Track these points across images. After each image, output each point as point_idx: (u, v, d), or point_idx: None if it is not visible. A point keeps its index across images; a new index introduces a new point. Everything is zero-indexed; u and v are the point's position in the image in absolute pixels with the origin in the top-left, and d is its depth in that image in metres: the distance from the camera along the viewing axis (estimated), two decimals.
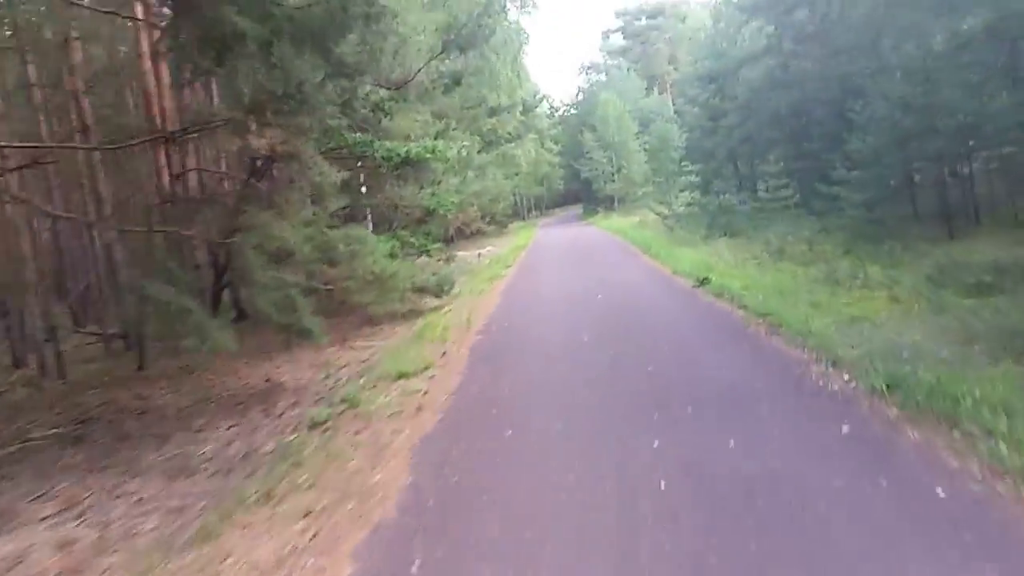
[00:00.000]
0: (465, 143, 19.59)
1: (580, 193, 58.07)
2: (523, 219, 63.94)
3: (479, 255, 25.71)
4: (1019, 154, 11.85)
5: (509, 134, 35.88)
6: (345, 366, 9.63)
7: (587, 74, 58.91)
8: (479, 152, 28.63)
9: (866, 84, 14.77)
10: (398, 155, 15.83)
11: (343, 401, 6.76)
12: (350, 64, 9.57)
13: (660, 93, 58.69)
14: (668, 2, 69.94)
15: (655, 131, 42.25)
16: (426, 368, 7.64)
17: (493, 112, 27.76)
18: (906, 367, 4.86)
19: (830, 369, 5.49)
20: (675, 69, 67.49)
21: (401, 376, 7.37)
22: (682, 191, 29.88)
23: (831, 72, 17.73)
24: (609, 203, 43.01)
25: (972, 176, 13.44)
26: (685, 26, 65.87)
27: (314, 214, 11.25)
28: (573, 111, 57.23)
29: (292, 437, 6.04)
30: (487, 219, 39.64)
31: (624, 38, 71.71)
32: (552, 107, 59.97)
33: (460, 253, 30.77)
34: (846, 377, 5.24)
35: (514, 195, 51.21)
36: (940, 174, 13.71)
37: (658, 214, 28.12)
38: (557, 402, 5.80)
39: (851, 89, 16.84)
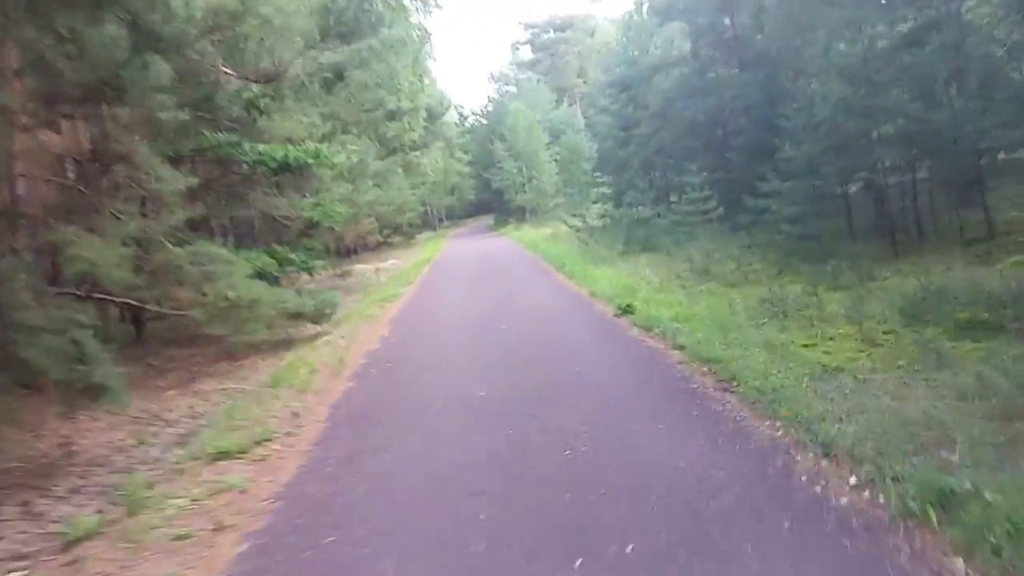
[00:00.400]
0: (355, 147, 17.44)
1: (492, 204, 56.54)
2: (433, 229, 61.82)
3: (377, 270, 23.54)
4: (964, 162, 10.93)
5: (414, 142, 33.84)
6: (175, 423, 7.39)
7: (496, 84, 57.31)
8: (381, 159, 26.50)
9: (794, 89, 13.72)
10: (274, 160, 13.61)
11: (122, 499, 4.62)
12: (168, 38, 7.42)
13: (570, 105, 58.19)
14: (577, 16, 69.92)
15: (565, 142, 41.40)
16: (263, 441, 5.56)
17: (392, 116, 25.67)
18: (950, 477, 3.17)
19: (823, 463, 3.79)
20: (584, 82, 67.60)
21: (222, 455, 5.26)
22: (594, 203, 28.71)
23: (752, 78, 16.75)
24: (521, 214, 41.57)
25: (915, 187, 12.51)
26: (594, 40, 65.95)
27: (146, 229, 8.90)
28: (483, 121, 55.66)
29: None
30: (391, 231, 37.37)
31: (533, 51, 71.11)
32: (461, 116, 58.37)
33: (359, 267, 28.44)
34: (853, 481, 3.49)
35: (423, 205, 49.12)
36: (881, 185, 12.74)
37: (571, 227, 26.77)
38: (424, 532, 3.74)
39: (777, 94, 15.92)
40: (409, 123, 29.15)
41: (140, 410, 8.27)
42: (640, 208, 21.89)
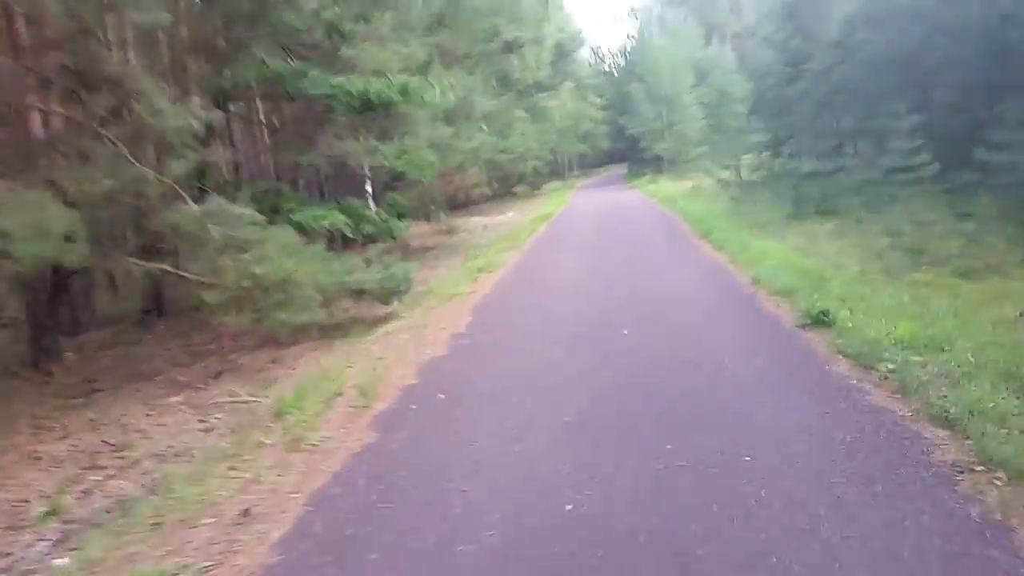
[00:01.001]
0: (454, 83, 14.54)
1: (626, 152, 52.28)
2: (562, 179, 58.70)
3: (485, 227, 20.83)
4: None
5: (539, 82, 30.55)
6: (132, 463, 5.04)
7: (637, 18, 51.65)
8: (498, 97, 23.55)
9: None
10: (349, 94, 11.04)
11: None
12: None
13: (720, 44, 52.07)
14: None
15: (714, 83, 36.43)
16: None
17: (509, 47, 22.46)
18: None
19: None
20: (738, 19, 60.76)
21: None
22: (746, 153, 24.36)
23: None
24: (658, 165, 37.35)
25: None
26: None
27: (130, 179, 6.53)
28: (621, 61, 50.92)
29: None
30: (515, 180, 34.56)
31: None
32: (597, 55, 53.87)
33: (475, 219, 25.98)
34: None
35: (552, 153, 45.91)
36: None
37: (719, 180, 22.69)
38: None
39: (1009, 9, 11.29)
40: (532, 58, 25.82)
41: (107, 427, 6.06)
42: (811, 160, 17.62)
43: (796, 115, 22.44)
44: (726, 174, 21.62)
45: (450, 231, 19.52)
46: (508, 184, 35.50)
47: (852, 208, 11.90)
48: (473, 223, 24.35)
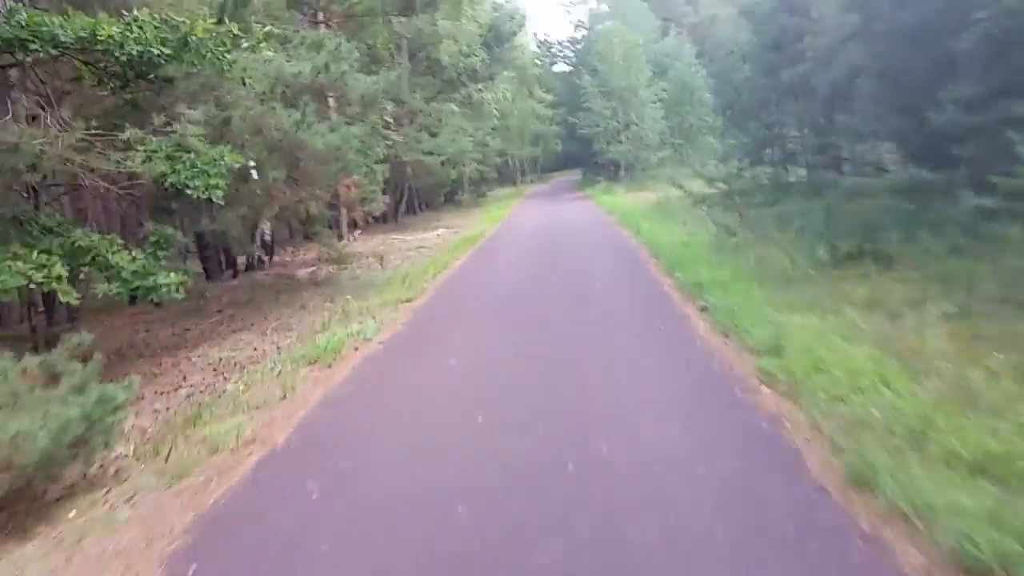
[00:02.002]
0: (302, 41, 9.50)
1: (580, 156, 47.89)
2: (514, 184, 54.28)
3: (396, 252, 15.93)
4: None
5: (474, 70, 25.69)
6: None
7: (585, 5, 46.37)
8: (413, 85, 18.64)
9: None
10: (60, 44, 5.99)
11: None
12: None
13: (677, 35, 48.09)
14: None
15: (675, 77, 32.18)
16: None
17: (410, 5, 17.56)
18: None
19: None
20: (694, 10, 57.02)
21: None
22: (719, 161, 19.96)
23: None
24: (613, 171, 32.83)
25: None
26: None
27: None
28: (570, 52, 46.27)
29: None
30: (445, 189, 29.66)
31: None
32: (545, 48, 49.28)
33: (393, 239, 21.05)
34: None
35: (501, 156, 41.18)
36: None
37: (686, 192, 18.11)
38: None
39: None
40: (452, 30, 20.97)
41: None
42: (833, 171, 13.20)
43: (785, 111, 18.11)
44: (696, 185, 17.10)
45: (341, 260, 14.51)
46: (437, 193, 30.58)
47: (934, 253, 7.23)
48: (385, 246, 19.40)
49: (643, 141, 29.87)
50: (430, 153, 23.61)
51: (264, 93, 8.47)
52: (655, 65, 33.91)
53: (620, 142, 30.44)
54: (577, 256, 12.07)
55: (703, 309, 7.00)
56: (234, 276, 15.32)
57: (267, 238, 15.06)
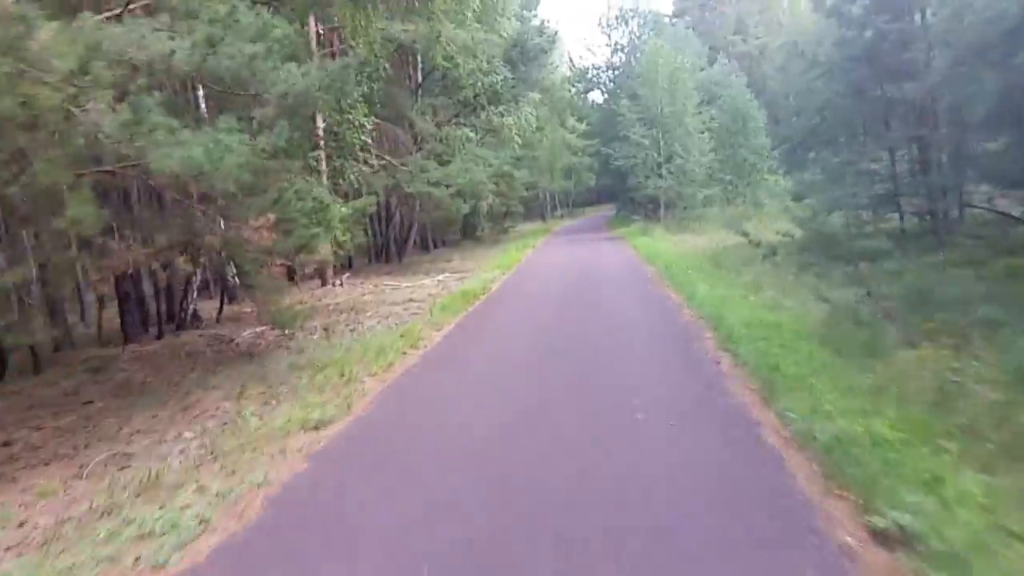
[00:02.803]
0: None
1: (614, 190, 44.12)
2: (543, 219, 50.92)
3: (375, 308, 12.08)
4: None
5: (495, 90, 22.20)
6: None
7: (627, 24, 42.07)
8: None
9: None
10: None
11: None
12: None
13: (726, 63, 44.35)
14: None
15: (725, 104, 28.34)
16: None
17: None
18: None
19: None
20: (743, 40, 53.43)
21: None
22: (790, 199, 16.05)
23: None
24: (652, 209, 28.85)
25: None
26: None
27: None
28: (607, 77, 42.47)
29: None
30: (454, 224, 26.03)
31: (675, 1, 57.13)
32: (579, 72, 45.62)
33: (385, 285, 17.48)
34: None
35: (530, 190, 37.74)
36: None
37: (752, 241, 13.98)
38: None
39: None
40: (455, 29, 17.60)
41: None
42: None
43: (883, 138, 14.15)
44: (773, 232, 13.16)
45: (288, 323, 10.82)
46: (452, 227, 27.02)
47: None
48: (370, 297, 15.83)
49: (688, 176, 25.92)
50: (437, 184, 20.06)
51: (72, 74, 4.86)
52: (703, 92, 30.14)
53: (661, 176, 26.49)
54: (606, 343, 8.10)
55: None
56: (159, 336, 11.77)
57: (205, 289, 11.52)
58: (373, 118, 17.77)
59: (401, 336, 9.37)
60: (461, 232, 33.75)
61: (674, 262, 14.44)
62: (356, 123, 15.25)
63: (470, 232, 34.11)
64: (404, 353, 8.33)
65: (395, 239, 25.30)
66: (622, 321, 9.14)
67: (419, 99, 23.06)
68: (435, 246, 32.18)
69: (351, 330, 10.97)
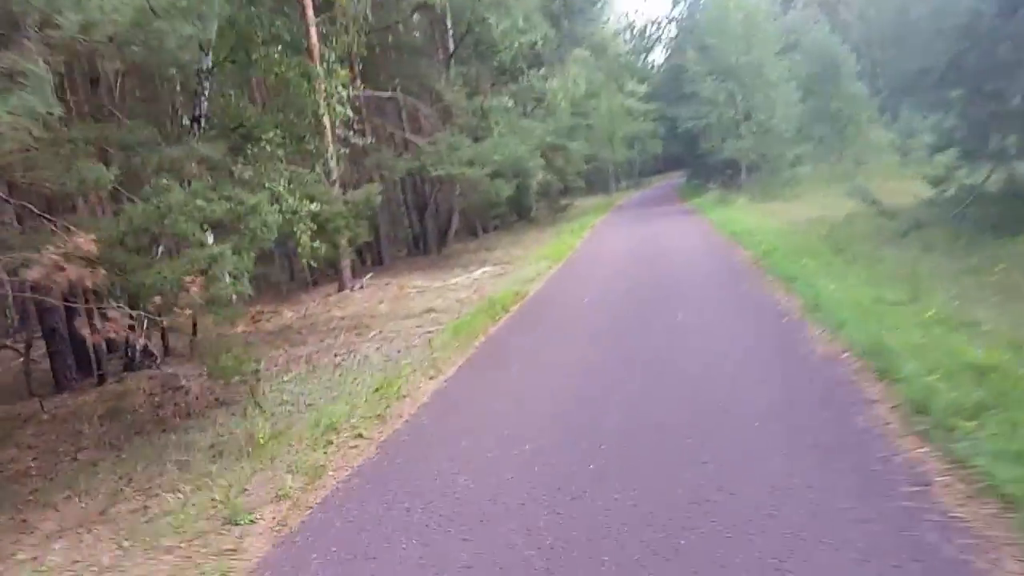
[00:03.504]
0: None
1: (682, 157, 39.90)
2: (607, 192, 47.22)
3: (382, 325, 9.08)
4: None
5: (535, 52, 18.84)
6: None
7: None
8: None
9: None
10: None
11: None
12: None
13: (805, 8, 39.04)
14: None
15: (811, 48, 24.01)
16: None
17: None
18: None
19: None
20: None
21: None
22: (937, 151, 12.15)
23: None
24: (731, 174, 24.71)
25: None
26: None
27: None
28: (668, 31, 37.74)
29: None
30: (501, 210, 22.74)
31: None
32: (636, 30, 41.07)
33: (413, 286, 14.71)
34: None
35: (591, 163, 34.30)
36: None
37: (880, 210, 10.18)
38: None
39: None
40: None
41: None
42: None
43: None
44: (902, 195, 9.44)
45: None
46: (501, 211, 23.83)
47: None
48: (385, 306, 13.01)
49: (773, 133, 21.72)
50: (471, 163, 16.92)
51: None
52: (781, 41, 25.62)
53: (740, 136, 22.40)
54: (700, 410, 4.82)
55: None
56: (100, 381, 9.17)
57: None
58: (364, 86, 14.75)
59: (376, 390, 6.34)
60: (516, 213, 30.60)
61: (773, 243, 10.78)
62: (331, 92, 12.24)
63: (525, 213, 30.91)
64: (358, 437, 5.26)
65: (434, 228, 22.34)
66: (717, 353, 5.79)
67: (450, 68, 19.91)
68: (484, 231, 29.17)
69: (327, 374, 7.99)
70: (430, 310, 11.43)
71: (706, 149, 23.95)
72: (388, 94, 17.88)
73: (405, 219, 22.75)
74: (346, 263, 16.03)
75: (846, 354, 5.11)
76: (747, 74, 21.87)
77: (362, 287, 16.07)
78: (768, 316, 6.90)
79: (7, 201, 4.68)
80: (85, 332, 5.82)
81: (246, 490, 4.51)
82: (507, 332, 8.39)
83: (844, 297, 6.57)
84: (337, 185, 15.19)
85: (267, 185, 7.40)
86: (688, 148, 31.71)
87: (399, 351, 8.49)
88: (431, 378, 6.60)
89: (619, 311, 8.45)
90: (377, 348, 9.11)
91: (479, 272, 15.70)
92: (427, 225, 21.68)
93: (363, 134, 17.49)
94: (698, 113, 23.15)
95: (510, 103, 18.57)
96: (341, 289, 15.87)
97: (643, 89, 35.05)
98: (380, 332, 10.28)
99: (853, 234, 10.71)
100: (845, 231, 11.09)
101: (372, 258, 20.09)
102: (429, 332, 9.50)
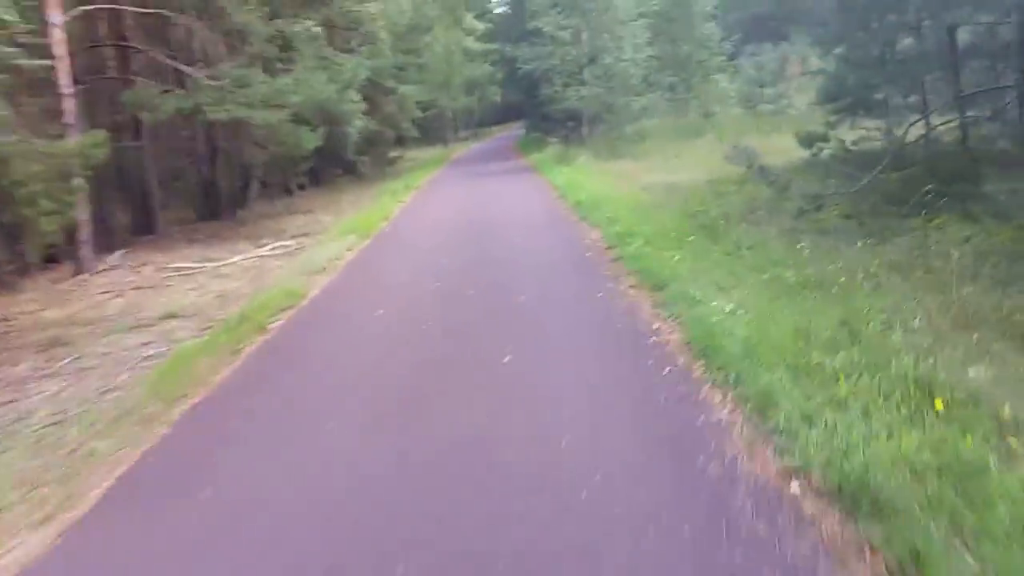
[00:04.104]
0: None
1: (524, 106, 37.43)
2: (444, 143, 44.03)
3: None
4: None
5: None
6: None
7: None
8: None
9: None
10: None
11: None
12: None
13: None
14: None
15: None
16: None
17: None
18: None
19: None
20: None
21: None
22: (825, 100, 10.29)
23: None
24: (574, 127, 22.32)
25: None
26: None
27: None
28: None
29: None
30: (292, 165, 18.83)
31: None
32: None
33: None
34: None
35: (427, 110, 30.98)
36: None
37: (760, 174, 8.08)
38: None
39: None
40: None
41: None
42: None
43: None
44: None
45: None
46: (291, 169, 19.94)
47: None
48: (115, 309, 9.30)
49: (620, 79, 19.46)
50: (263, 104, 13.20)
51: None
52: None
53: (583, 82, 20.01)
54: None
55: None
56: None
57: None
58: None
59: None
60: (340, 167, 26.71)
61: (627, 220, 8.42)
62: None
63: (349, 167, 27.11)
64: None
65: (228, 186, 18.23)
66: (557, 450, 3.20)
67: None
68: (300, 189, 25.12)
69: None
70: (171, 315, 8.05)
71: (547, 96, 21.41)
72: (142, 9, 13.51)
73: (193, 174, 18.36)
74: (85, 236, 11.93)
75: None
76: (595, 9, 19.34)
77: (110, 268, 12.14)
78: (639, 361, 4.39)
79: None
80: None
81: None
82: (243, 381, 5.26)
83: (753, 333, 4.18)
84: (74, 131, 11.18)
85: None
86: (528, 95, 29.16)
87: (82, 404, 5.28)
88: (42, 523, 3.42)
89: (425, 341, 5.57)
90: (57, 392, 5.83)
91: (268, 248, 12.31)
92: (218, 184, 17.54)
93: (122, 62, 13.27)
94: (539, 54, 20.44)
95: (317, 29, 14.82)
96: (78, 273, 11.80)
97: (482, 27, 31.86)
98: (80, 356, 6.85)
99: (717, 208, 8.57)
100: (706, 203, 8.95)
101: (137, 225, 15.78)
102: (149, 360, 6.30)
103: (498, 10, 32.31)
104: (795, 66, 27.48)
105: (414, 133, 32.73)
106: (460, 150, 37.26)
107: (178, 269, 11.49)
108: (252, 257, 11.62)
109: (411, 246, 10.36)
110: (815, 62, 25.86)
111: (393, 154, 29.64)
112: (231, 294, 8.87)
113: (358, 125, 18.55)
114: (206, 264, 11.57)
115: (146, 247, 14.04)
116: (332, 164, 25.56)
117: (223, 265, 11.29)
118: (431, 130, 44.82)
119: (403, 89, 25.44)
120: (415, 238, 10.90)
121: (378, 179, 24.94)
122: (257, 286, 8.89)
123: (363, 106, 17.72)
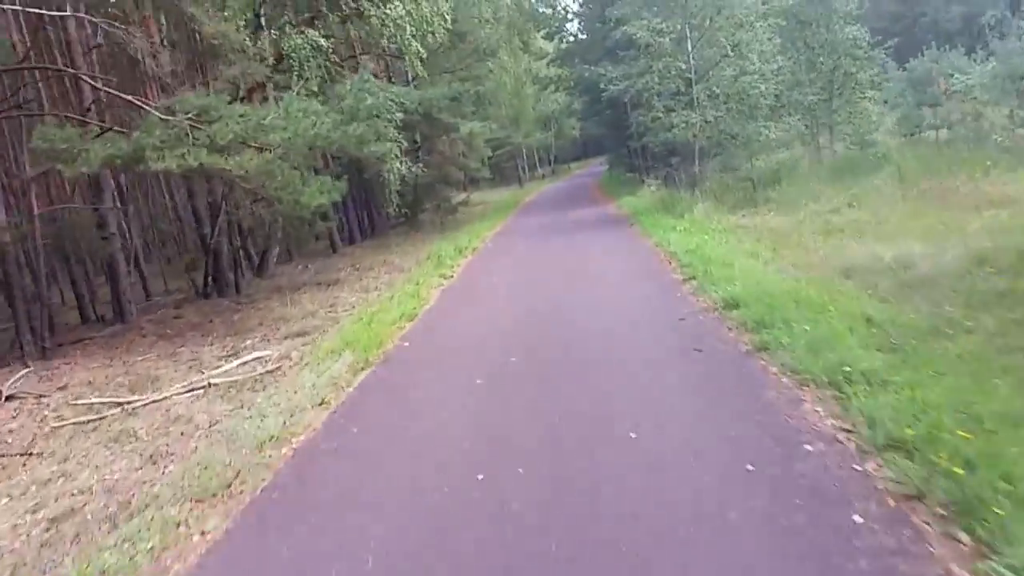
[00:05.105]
0: None
1: (604, 140, 32.78)
2: (519, 183, 40.30)
3: None
4: None
5: None
6: None
7: None
8: None
9: None
10: None
11: None
12: None
13: None
14: None
15: None
16: None
17: None
18: None
19: None
20: None
21: None
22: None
23: None
24: (678, 162, 16.93)
25: None
26: None
27: None
28: None
29: None
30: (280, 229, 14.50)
31: None
32: None
33: None
34: None
35: (496, 150, 27.03)
36: None
37: None
38: None
39: None
40: None
41: None
42: None
43: None
44: None
45: None
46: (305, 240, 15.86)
47: None
48: None
49: (747, 98, 14.24)
50: (239, 144, 9.07)
51: None
52: None
53: (693, 103, 14.80)
54: None
55: None
56: None
57: None
58: None
59: None
60: (402, 214, 22.77)
61: (871, 363, 3.59)
62: None
63: (410, 216, 23.11)
64: None
65: (230, 252, 14.22)
66: None
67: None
68: (350, 243, 21.18)
69: None
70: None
71: (642, 125, 16.56)
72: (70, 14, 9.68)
73: (189, 237, 14.50)
74: None
75: None
76: (704, 10, 14.48)
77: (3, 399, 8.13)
78: None
79: None
80: None
81: None
82: None
83: None
84: None
85: None
86: (613, 127, 24.46)
87: None
88: None
89: None
90: None
91: (238, 362, 7.96)
92: (221, 252, 13.51)
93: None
94: (630, 72, 15.60)
95: (322, 41, 10.67)
96: None
97: (552, 49, 27.50)
98: None
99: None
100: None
101: (102, 312, 11.94)
102: None
103: (570, 23, 27.76)
104: (941, 83, 21.92)
105: (486, 174, 28.65)
106: (535, 191, 32.92)
107: (89, 407, 7.31)
108: (199, 388, 7.27)
109: (442, 375, 5.72)
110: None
111: (460, 197, 25.47)
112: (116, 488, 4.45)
113: (398, 169, 14.31)
114: (143, 395, 7.35)
115: (89, 352, 10.06)
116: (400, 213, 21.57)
117: (148, 403, 7.00)
118: (504, 169, 40.96)
119: (470, 126, 21.34)
120: (445, 370, 6.19)
121: (437, 231, 20.78)
122: (164, 469, 4.44)
123: (401, 145, 13.50)
